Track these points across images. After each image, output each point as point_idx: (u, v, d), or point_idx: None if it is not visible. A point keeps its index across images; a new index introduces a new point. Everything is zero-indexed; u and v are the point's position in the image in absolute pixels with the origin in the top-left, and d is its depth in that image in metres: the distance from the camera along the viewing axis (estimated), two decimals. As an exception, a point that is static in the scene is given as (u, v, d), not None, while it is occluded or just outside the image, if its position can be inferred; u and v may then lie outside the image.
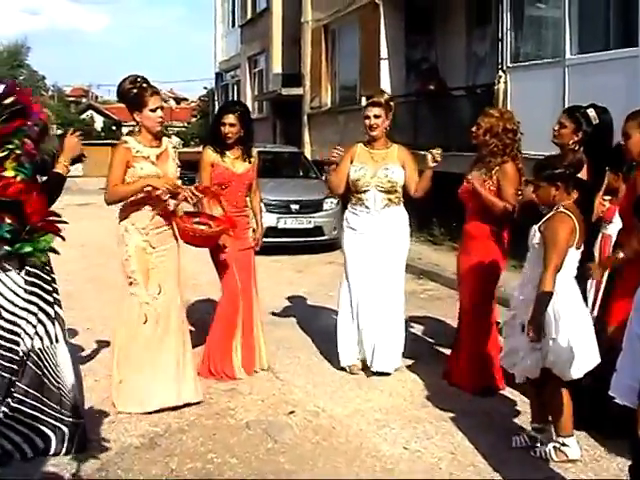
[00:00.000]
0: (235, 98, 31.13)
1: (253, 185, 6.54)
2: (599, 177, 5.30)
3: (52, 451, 4.69)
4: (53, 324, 4.71)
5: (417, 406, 5.82)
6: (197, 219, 5.93)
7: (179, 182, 5.66)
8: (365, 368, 6.51)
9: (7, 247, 4.33)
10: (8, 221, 4.24)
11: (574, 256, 4.66)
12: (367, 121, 6.44)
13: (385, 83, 16.50)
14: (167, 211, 5.59)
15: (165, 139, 5.75)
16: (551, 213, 4.67)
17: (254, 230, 6.57)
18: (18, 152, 4.31)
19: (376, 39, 16.96)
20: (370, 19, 17.30)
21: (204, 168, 6.35)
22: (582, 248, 4.71)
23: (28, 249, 4.39)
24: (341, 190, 6.64)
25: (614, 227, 5.55)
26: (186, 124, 60.35)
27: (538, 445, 4.91)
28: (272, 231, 13.13)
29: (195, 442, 5.08)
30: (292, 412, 5.66)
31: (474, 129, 6.03)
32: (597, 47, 10.67)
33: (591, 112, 5.46)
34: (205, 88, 43.22)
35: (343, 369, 6.55)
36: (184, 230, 5.71)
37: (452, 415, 5.57)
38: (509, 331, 4.91)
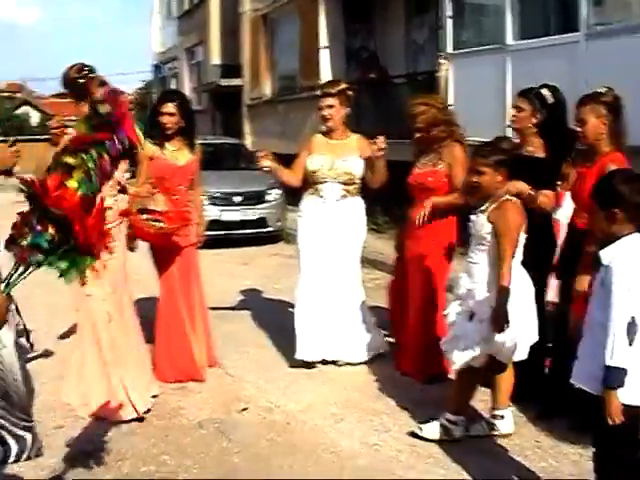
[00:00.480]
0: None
1: (195, 178, 6.29)
2: (559, 158, 5.24)
3: (12, 458, 4.45)
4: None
5: (372, 398, 5.73)
6: (149, 216, 5.72)
7: (127, 175, 5.46)
8: (325, 363, 6.40)
9: (40, 256, 4.02)
10: (51, 231, 3.92)
11: (522, 241, 4.62)
12: (321, 112, 6.35)
13: (325, 72, 16.43)
14: (115, 208, 5.39)
15: None
16: (499, 201, 4.58)
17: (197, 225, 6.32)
18: (90, 165, 4.00)
19: (315, 28, 16.87)
20: (309, 8, 17.19)
21: (142, 161, 6.01)
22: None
23: (63, 265, 4.09)
24: (299, 183, 6.50)
25: (562, 212, 5.55)
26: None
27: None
28: (215, 224, 12.87)
29: (147, 444, 4.92)
30: (245, 409, 5.53)
31: (417, 126, 5.96)
32: (538, 33, 10.72)
33: (545, 92, 5.39)
34: (143, 81, 42.55)
35: (295, 364, 6.38)
36: (140, 227, 5.52)
37: (407, 406, 5.49)
38: (454, 319, 4.82)
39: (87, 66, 5.23)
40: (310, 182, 6.41)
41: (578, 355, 3.59)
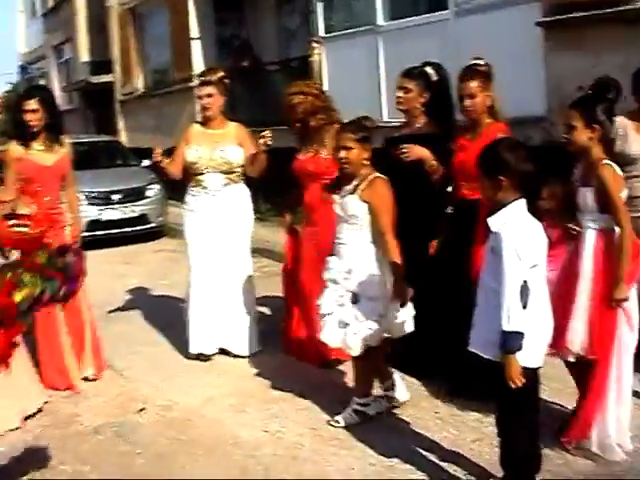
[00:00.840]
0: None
1: (68, 177, 6.02)
2: (448, 135, 5.27)
3: None
4: None
5: (270, 386, 5.68)
6: (14, 221, 5.44)
7: None
8: (220, 354, 6.34)
9: None
10: None
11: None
12: (200, 101, 6.25)
13: (198, 63, 16.21)
14: None
15: None
16: (369, 179, 4.62)
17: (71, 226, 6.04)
18: (37, 291, 3.93)
19: (185, 19, 16.63)
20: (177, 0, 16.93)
21: (9, 165, 5.79)
22: None
23: None
24: (180, 174, 6.38)
25: None
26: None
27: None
28: (95, 224, 12.60)
29: (43, 454, 4.71)
30: (142, 409, 5.39)
31: (297, 117, 5.93)
32: (408, 13, 10.84)
33: (429, 70, 5.42)
34: (10, 84, 41.04)
35: (190, 358, 6.29)
36: (5, 235, 5.26)
37: (306, 391, 5.46)
38: (331, 308, 4.71)
39: None
40: (191, 173, 6.29)
41: (474, 322, 3.63)
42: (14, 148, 5.82)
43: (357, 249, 4.62)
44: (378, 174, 4.65)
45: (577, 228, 4.23)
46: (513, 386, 3.40)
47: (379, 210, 4.55)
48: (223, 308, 6.28)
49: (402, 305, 4.53)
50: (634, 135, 5.08)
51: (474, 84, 4.86)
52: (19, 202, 5.52)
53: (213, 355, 6.31)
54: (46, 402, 5.43)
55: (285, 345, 6.34)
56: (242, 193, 6.38)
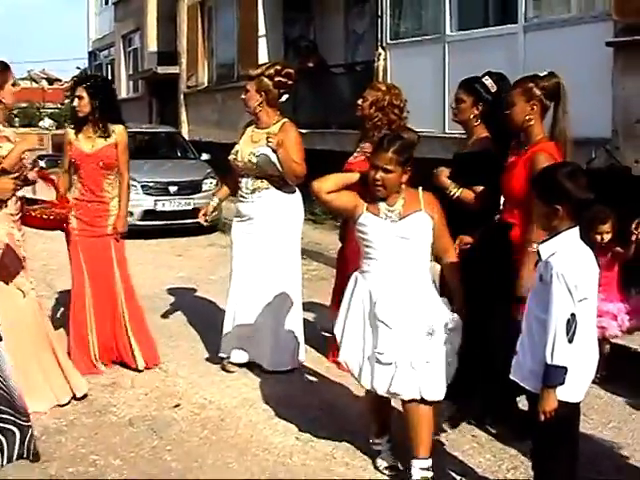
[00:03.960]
0: (109, 77, 30.31)
1: (118, 167, 5.96)
2: (505, 151, 5.08)
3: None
4: None
5: (306, 393, 5.62)
6: (36, 206, 5.48)
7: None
8: (254, 366, 6.08)
9: None
10: None
11: None
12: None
13: (263, 60, 16.09)
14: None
15: None
16: (421, 196, 4.20)
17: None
18: None
19: (254, 16, 16.70)
20: (247, -5, 17.03)
21: (64, 148, 6.08)
22: None
23: None
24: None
25: None
26: (59, 105, 58.26)
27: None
28: (150, 214, 12.79)
29: (75, 444, 4.73)
30: (177, 405, 5.37)
31: (360, 102, 5.83)
32: (477, 24, 10.71)
33: (487, 80, 5.10)
34: (78, 68, 41.78)
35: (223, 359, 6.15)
36: (31, 215, 5.31)
37: (346, 402, 5.38)
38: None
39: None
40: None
41: (517, 350, 3.52)
42: (68, 132, 6.07)
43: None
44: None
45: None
46: (543, 419, 3.29)
47: (443, 229, 4.25)
48: (259, 318, 5.93)
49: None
50: None
51: (516, 92, 4.51)
52: (40, 186, 5.56)
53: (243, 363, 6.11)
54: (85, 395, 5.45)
55: (331, 353, 6.14)
56: (280, 198, 5.93)
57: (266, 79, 5.91)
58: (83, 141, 5.91)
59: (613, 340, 5.69)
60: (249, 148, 5.90)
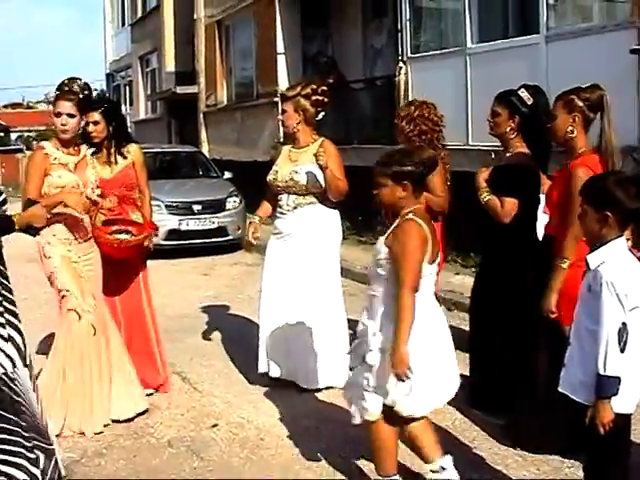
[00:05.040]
0: (127, 99, 30.55)
1: (141, 185, 5.88)
2: (543, 165, 5.06)
3: None
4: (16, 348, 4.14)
5: (345, 410, 5.54)
6: (115, 227, 5.51)
7: (98, 191, 5.37)
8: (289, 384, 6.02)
9: None
10: None
11: (428, 273, 3.92)
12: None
13: (282, 78, 16.28)
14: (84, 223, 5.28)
15: (84, 147, 5.40)
16: (397, 221, 3.91)
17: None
18: None
19: (272, 34, 16.73)
20: (265, 13, 17.07)
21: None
22: (438, 261, 4.05)
23: None
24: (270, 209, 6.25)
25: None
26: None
27: None
28: (174, 234, 12.81)
29: (115, 466, 4.73)
30: (215, 425, 5.35)
31: (395, 120, 5.90)
32: (498, 35, 10.71)
33: (523, 93, 5.12)
34: (95, 90, 42.09)
35: (263, 375, 6.12)
36: (104, 243, 5.36)
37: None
38: (354, 361, 4.15)
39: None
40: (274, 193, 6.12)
41: (566, 362, 3.49)
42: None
43: (379, 302, 3.94)
44: (413, 216, 3.86)
45: None
46: (603, 432, 3.24)
47: (397, 259, 3.79)
48: (300, 335, 5.90)
49: (397, 377, 3.76)
50: None
51: (558, 104, 4.56)
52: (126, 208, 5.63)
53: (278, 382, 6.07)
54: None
55: None
56: (321, 212, 5.97)
57: (303, 99, 5.95)
58: (99, 167, 5.69)
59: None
60: (289, 167, 5.94)
